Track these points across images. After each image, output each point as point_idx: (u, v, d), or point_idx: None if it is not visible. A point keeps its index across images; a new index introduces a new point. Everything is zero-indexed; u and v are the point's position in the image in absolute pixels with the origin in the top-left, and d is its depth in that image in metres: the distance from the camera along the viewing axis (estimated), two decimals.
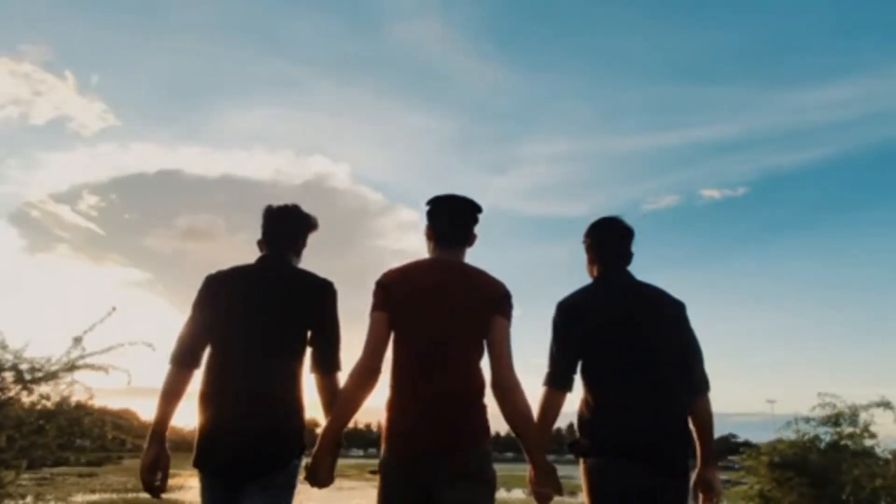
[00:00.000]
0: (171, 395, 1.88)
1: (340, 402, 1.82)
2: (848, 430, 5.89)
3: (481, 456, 1.75)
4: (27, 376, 3.92)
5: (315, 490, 1.86)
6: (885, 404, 5.81)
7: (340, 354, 2.01)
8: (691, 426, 1.98)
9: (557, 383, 2.04)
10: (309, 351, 1.99)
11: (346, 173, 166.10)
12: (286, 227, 2.14)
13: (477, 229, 2.04)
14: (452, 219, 1.99)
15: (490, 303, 1.86)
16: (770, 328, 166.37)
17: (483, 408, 1.83)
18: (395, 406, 1.81)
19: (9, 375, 3.90)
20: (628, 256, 2.17)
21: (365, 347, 1.82)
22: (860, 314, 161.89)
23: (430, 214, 2.03)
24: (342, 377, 1.90)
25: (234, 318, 1.93)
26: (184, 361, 1.91)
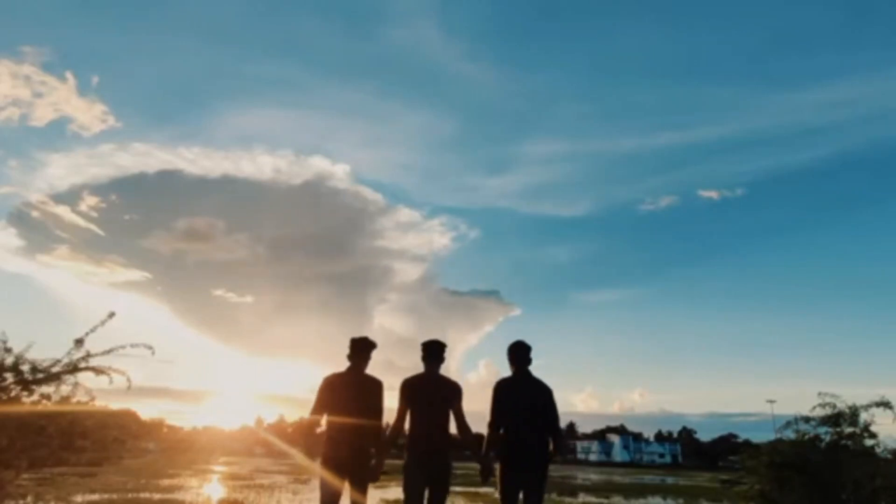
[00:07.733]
0: (308, 432, 4.16)
1: (389, 435, 4.04)
2: (848, 430, 5.90)
3: (448, 456, 3.95)
4: (28, 377, 3.93)
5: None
6: (885, 404, 5.81)
7: (383, 413, 4.05)
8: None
9: (495, 427, 4.07)
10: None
11: (345, 173, 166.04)
12: (361, 350, 4.13)
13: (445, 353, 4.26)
14: (434, 351, 4.18)
15: (451, 395, 4.06)
16: (770, 328, 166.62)
17: (449, 435, 3.99)
18: (412, 434, 3.96)
19: (10, 376, 3.90)
20: (530, 361, 4.28)
21: (396, 416, 4.02)
22: (860, 314, 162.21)
23: (423, 349, 4.18)
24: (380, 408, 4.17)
25: (340, 400, 3.96)
26: (315, 419, 3.97)
